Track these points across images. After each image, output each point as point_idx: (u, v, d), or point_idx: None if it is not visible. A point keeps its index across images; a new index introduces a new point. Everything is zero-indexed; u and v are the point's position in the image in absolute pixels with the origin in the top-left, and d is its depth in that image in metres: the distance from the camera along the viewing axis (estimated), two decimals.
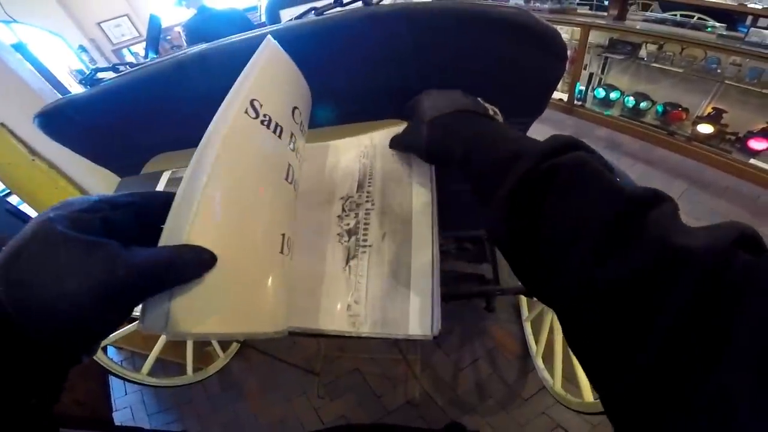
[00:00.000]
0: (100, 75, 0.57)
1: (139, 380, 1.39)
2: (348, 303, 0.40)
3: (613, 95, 2.47)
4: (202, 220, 0.26)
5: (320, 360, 1.66)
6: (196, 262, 0.25)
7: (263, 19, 1.54)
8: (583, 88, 2.56)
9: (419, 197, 0.47)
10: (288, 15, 1.39)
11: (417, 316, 0.39)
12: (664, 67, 2.26)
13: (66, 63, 3.44)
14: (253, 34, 0.53)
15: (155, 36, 1.51)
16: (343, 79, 0.71)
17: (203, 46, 0.63)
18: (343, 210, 0.47)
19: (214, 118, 0.30)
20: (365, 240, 0.44)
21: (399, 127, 0.56)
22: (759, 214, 1.87)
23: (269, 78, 0.36)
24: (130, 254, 0.23)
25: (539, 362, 1.42)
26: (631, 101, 2.39)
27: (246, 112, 0.31)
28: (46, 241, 0.21)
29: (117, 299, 0.22)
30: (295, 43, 0.52)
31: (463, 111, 0.40)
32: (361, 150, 0.55)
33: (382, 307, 0.40)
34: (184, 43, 1.66)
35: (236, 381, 1.72)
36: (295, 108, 0.39)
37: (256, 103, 0.32)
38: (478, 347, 1.63)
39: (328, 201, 0.49)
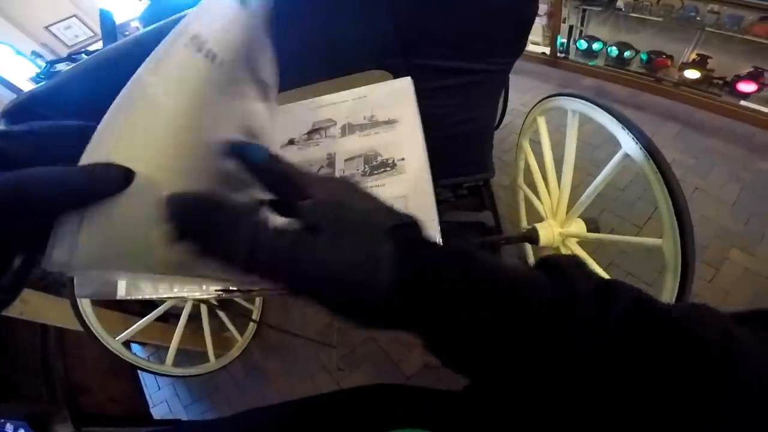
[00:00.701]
0: (57, 67, 0.57)
1: (166, 372, 1.43)
2: None
3: (596, 46, 2.48)
4: (123, 143, 0.22)
5: (335, 332, 1.69)
6: (102, 178, 0.20)
7: None
8: (564, 40, 2.57)
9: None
10: None
11: None
12: (643, 16, 2.26)
13: (21, 71, 3.36)
14: None
15: (110, 31, 1.47)
16: (321, 31, 0.72)
17: (161, 22, 0.63)
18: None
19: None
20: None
21: (382, 79, 0.58)
22: (756, 150, 1.88)
23: (219, 20, 0.29)
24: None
25: None
26: (614, 51, 2.39)
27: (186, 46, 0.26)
28: None
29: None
30: None
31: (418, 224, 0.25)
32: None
33: None
34: None
35: (258, 363, 1.77)
36: (251, 58, 0.34)
37: (199, 40, 0.26)
38: None
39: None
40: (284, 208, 0.26)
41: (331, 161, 0.51)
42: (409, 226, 0.23)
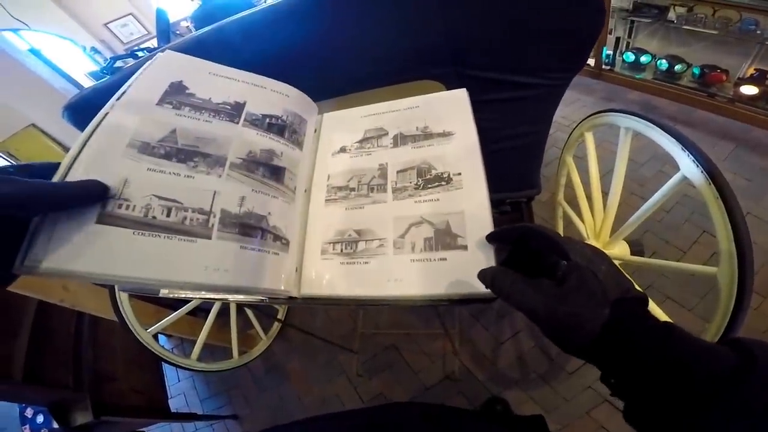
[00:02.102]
0: (118, 63, 0.58)
1: (190, 366, 1.45)
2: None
3: (644, 59, 2.37)
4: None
5: (357, 338, 1.68)
6: (80, 191, 0.33)
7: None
8: (610, 52, 2.48)
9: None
10: None
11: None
12: (696, 29, 2.13)
13: (80, 66, 3.53)
14: (266, 5, 0.55)
15: (165, 29, 1.54)
16: (370, 41, 0.71)
17: (221, 22, 0.64)
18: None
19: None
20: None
21: (432, 88, 0.55)
22: None
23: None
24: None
25: None
26: (664, 64, 2.28)
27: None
28: None
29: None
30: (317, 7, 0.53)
31: (644, 300, 0.31)
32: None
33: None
34: None
35: (279, 363, 1.79)
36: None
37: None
38: (518, 319, 1.60)
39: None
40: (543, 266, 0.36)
41: (383, 172, 0.49)
42: (634, 300, 0.30)
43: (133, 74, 0.46)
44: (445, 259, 0.40)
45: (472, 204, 0.43)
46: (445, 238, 0.41)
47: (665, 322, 0.29)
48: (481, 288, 0.36)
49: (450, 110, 0.52)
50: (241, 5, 1.74)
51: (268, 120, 0.50)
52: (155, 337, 1.31)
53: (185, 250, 0.36)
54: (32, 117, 1.94)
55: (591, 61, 2.50)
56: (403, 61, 0.73)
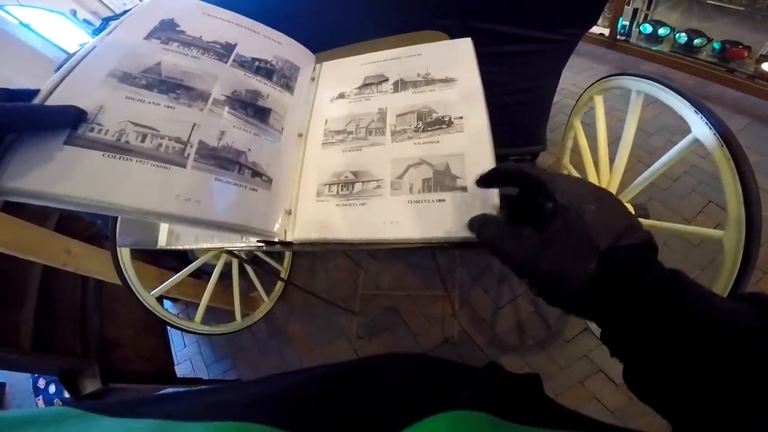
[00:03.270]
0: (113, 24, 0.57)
1: (194, 329, 1.45)
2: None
3: (662, 31, 2.28)
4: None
5: (358, 299, 1.71)
6: (55, 113, 0.33)
7: None
8: (626, 23, 2.38)
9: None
10: None
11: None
12: (721, 4, 2.04)
13: (73, 37, 3.49)
14: None
15: None
16: None
17: None
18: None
19: None
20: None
21: (436, 39, 0.53)
22: None
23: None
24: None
25: None
26: (683, 37, 2.19)
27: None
28: None
29: None
30: None
31: (648, 244, 0.26)
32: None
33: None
34: None
35: (281, 325, 1.82)
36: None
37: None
38: (518, 284, 1.60)
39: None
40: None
41: (382, 116, 0.48)
42: (631, 247, 0.25)
43: None
44: (444, 200, 0.39)
45: (473, 146, 0.42)
46: (444, 179, 0.40)
47: (671, 272, 0.25)
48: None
49: (453, 58, 0.51)
50: None
51: (257, 63, 0.50)
52: (159, 300, 1.32)
53: (157, 176, 0.35)
54: (29, 87, 1.96)
55: (606, 31, 2.41)
56: (408, 10, 0.70)
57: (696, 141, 0.78)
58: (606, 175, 1.06)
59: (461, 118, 0.44)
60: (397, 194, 0.41)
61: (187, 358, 1.90)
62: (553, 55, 0.80)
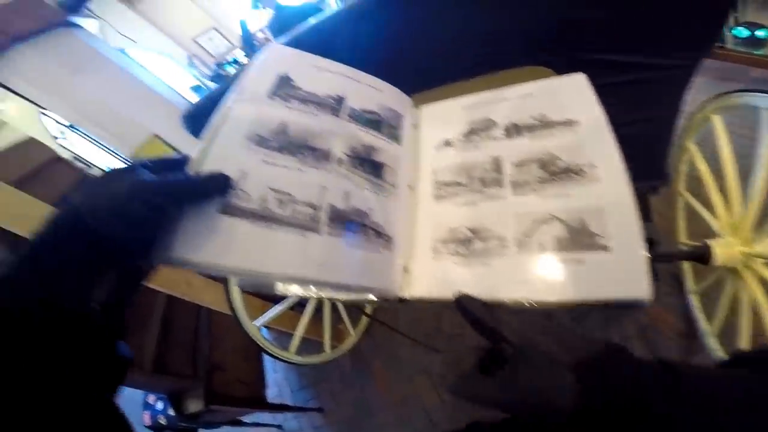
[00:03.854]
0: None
1: (289, 359, 1.51)
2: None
3: (760, 33, 1.98)
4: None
5: (444, 337, 1.66)
6: (211, 183, 0.35)
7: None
8: None
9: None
10: None
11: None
12: None
13: (182, 80, 3.89)
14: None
15: (248, 38, 1.68)
16: (470, 24, 0.68)
17: (311, 23, 0.66)
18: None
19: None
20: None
21: (538, 75, 0.50)
22: None
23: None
24: (149, 176, 0.31)
25: (713, 343, 1.14)
26: None
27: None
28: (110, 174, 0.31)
29: (139, 207, 0.29)
30: None
31: (616, 348, 0.28)
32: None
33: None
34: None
35: (365, 358, 1.83)
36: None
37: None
38: (628, 325, 1.41)
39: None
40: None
41: (496, 165, 0.45)
42: (596, 359, 0.27)
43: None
44: (583, 260, 0.35)
45: (612, 199, 0.38)
46: (581, 238, 0.37)
47: (659, 361, 0.27)
48: (632, 291, 0.32)
49: (569, 97, 0.47)
50: (312, 11, 1.80)
51: (367, 115, 0.49)
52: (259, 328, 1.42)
53: (297, 243, 0.36)
54: (152, 128, 2.16)
55: None
56: (505, 43, 0.68)
57: None
58: (737, 205, 0.92)
59: (593, 166, 0.40)
60: (526, 253, 0.38)
61: (275, 383, 1.99)
62: (672, 81, 0.72)
